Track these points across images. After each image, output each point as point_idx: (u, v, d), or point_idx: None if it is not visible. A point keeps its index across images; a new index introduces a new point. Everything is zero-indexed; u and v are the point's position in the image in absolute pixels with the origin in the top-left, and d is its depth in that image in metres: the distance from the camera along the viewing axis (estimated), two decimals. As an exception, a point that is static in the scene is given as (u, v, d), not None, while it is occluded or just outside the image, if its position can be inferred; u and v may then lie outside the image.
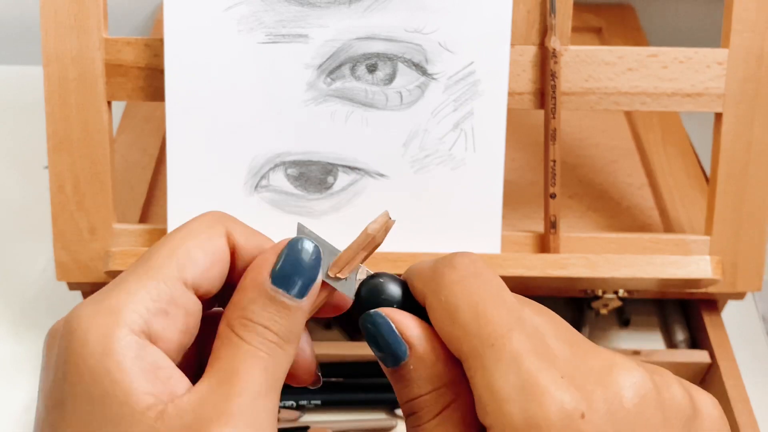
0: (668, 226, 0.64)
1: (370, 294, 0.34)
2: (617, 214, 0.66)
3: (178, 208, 0.56)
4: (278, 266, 0.32)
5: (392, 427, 0.58)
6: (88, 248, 0.58)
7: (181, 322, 0.31)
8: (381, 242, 0.35)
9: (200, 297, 0.32)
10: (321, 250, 0.33)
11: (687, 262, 0.56)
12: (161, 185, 0.67)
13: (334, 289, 0.34)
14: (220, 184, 0.56)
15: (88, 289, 0.62)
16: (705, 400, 0.32)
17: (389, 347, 0.32)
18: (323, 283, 0.33)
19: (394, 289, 0.34)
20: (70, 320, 0.30)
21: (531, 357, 0.29)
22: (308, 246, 0.33)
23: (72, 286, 0.61)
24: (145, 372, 0.29)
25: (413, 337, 0.32)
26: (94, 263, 0.58)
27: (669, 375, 0.31)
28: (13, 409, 0.60)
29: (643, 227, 0.64)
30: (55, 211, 0.57)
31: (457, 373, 0.32)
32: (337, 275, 0.34)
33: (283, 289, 0.32)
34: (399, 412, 0.59)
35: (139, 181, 0.66)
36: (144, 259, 0.32)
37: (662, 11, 0.88)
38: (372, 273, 0.35)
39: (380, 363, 0.33)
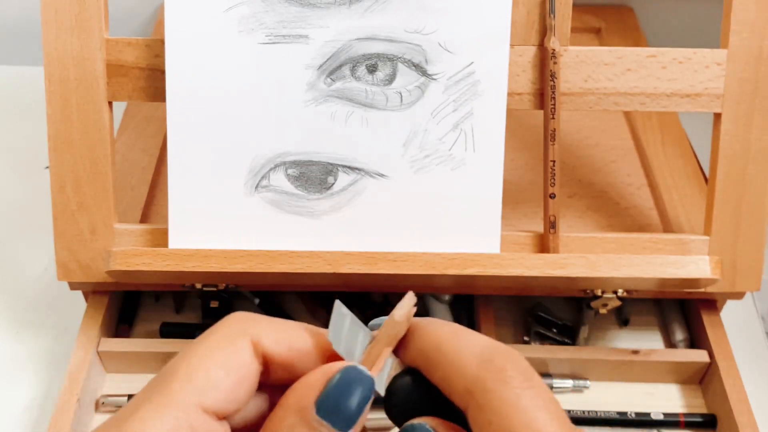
0: (667, 226, 0.64)
1: (402, 391, 0.31)
2: (616, 214, 0.66)
3: (179, 208, 0.56)
4: (325, 395, 0.29)
5: (392, 427, 0.58)
6: (89, 248, 0.58)
7: None
8: (405, 330, 0.32)
9: (226, 418, 0.30)
10: (371, 378, 0.30)
11: (686, 262, 0.56)
12: (162, 185, 0.67)
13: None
14: (220, 184, 0.56)
15: (89, 288, 0.62)
16: None
17: None
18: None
19: (429, 389, 0.31)
20: None
21: None
22: (362, 377, 0.30)
23: (73, 286, 0.61)
24: None
25: None
26: (95, 263, 0.58)
27: None
28: (14, 409, 0.60)
29: (642, 227, 0.65)
30: (56, 211, 0.57)
31: None
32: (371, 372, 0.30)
33: (328, 421, 0.29)
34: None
35: (140, 181, 0.67)
36: (161, 379, 0.30)
37: (661, 12, 0.88)
38: (403, 369, 0.32)
39: None
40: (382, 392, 0.31)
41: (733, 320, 0.64)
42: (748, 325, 0.67)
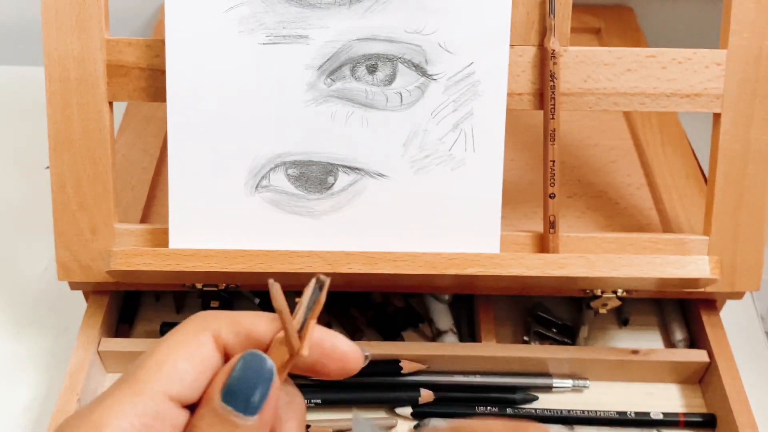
0: (667, 226, 0.64)
1: None
2: (616, 214, 0.66)
3: (179, 208, 0.56)
4: (228, 382, 0.31)
5: (392, 427, 0.59)
6: (90, 248, 0.58)
7: None
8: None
9: (188, 406, 0.32)
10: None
11: (686, 262, 0.56)
12: (162, 185, 0.67)
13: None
14: (220, 184, 0.56)
15: (90, 288, 0.62)
16: None
17: None
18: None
19: None
20: None
21: None
22: (260, 359, 0.32)
23: (73, 286, 0.61)
24: None
25: None
26: (96, 263, 0.58)
27: None
28: (14, 409, 0.60)
29: (641, 227, 0.65)
30: (56, 211, 0.57)
31: None
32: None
33: (233, 407, 0.31)
34: (399, 411, 0.59)
35: (141, 182, 0.67)
36: (131, 371, 0.32)
37: (661, 12, 0.88)
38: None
39: None
40: None
41: (732, 320, 0.64)
42: (748, 325, 0.67)
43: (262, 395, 0.31)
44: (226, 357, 0.33)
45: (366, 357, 0.35)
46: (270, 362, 0.32)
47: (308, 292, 0.34)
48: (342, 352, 0.34)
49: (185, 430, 0.31)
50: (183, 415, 0.32)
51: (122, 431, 0.30)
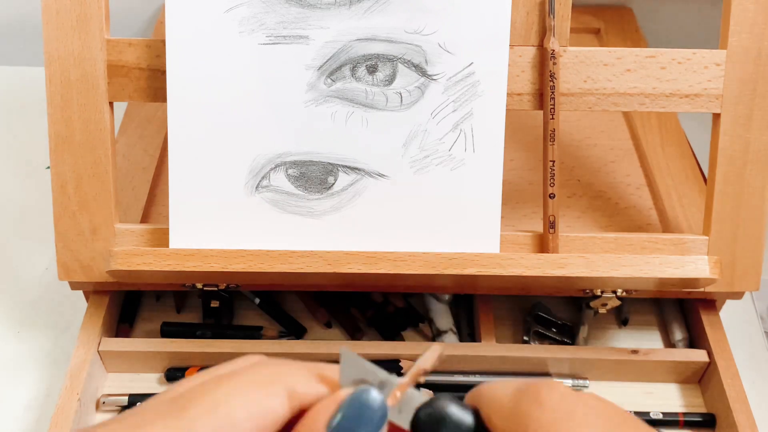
0: (666, 226, 0.64)
1: (431, 422, 0.29)
2: (616, 214, 0.66)
3: (180, 208, 0.56)
4: (337, 419, 0.28)
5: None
6: (90, 248, 0.58)
7: None
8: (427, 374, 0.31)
9: None
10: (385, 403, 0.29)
11: (685, 262, 0.57)
12: (163, 185, 0.67)
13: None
14: (221, 184, 0.56)
15: (90, 288, 0.62)
16: None
17: None
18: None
19: (461, 417, 0.30)
20: None
21: None
22: (375, 399, 0.29)
23: (74, 285, 0.61)
24: None
25: None
26: (96, 263, 0.58)
27: None
28: (15, 409, 0.60)
29: (641, 227, 0.65)
30: (57, 211, 0.57)
31: None
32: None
33: None
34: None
35: (141, 182, 0.67)
36: (176, 402, 0.29)
37: (660, 12, 0.88)
38: (430, 397, 0.30)
39: None
40: (406, 427, 0.30)
41: (732, 320, 0.64)
42: (747, 325, 0.67)
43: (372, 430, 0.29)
44: (300, 412, 0.30)
45: None
46: (385, 405, 0.29)
47: (423, 357, 0.31)
48: None
49: None
50: None
51: None
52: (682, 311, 0.66)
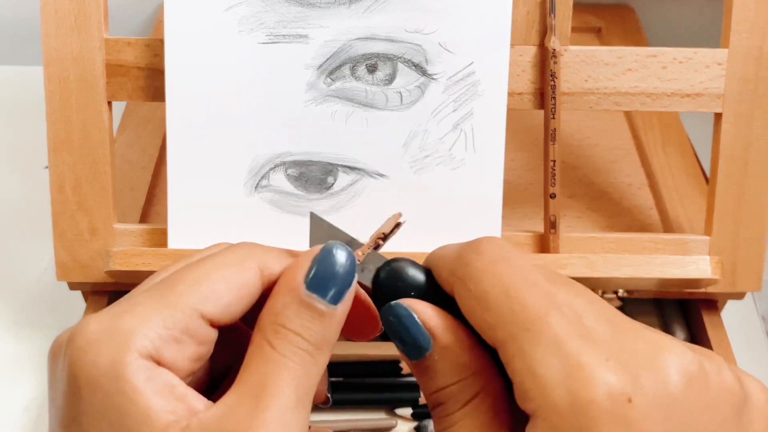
0: (668, 226, 0.64)
1: (389, 279, 0.33)
2: (617, 214, 0.66)
3: (179, 208, 0.56)
4: (313, 271, 0.31)
5: (392, 427, 0.58)
6: (89, 248, 0.58)
7: (193, 350, 0.31)
8: (390, 233, 0.35)
9: (217, 326, 0.32)
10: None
11: (686, 262, 0.56)
12: (161, 185, 0.67)
13: (363, 300, 0.33)
14: (220, 184, 0.56)
15: (89, 288, 0.62)
16: (755, 385, 0.31)
17: (412, 339, 0.32)
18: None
19: (415, 274, 0.33)
20: (78, 335, 0.30)
21: (572, 339, 0.28)
22: (343, 252, 0.32)
23: (72, 286, 0.61)
24: (160, 392, 0.29)
25: (437, 328, 0.32)
26: (95, 263, 0.58)
27: (719, 359, 0.30)
28: (14, 409, 0.60)
29: (642, 227, 0.65)
30: (55, 211, 0.57)
31: (483, 362, 0.31)
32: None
33: (317, 294, 0.31)
34: (399, 411, 0.59)
35: (140, 182, 0.66)
36: (166, 281, 0.31)
37: (662, 11, 0.88)
38: (390, 258, 0.34)
39: (403, 356, 0.32)
40: (368, 284, 0.33)
41: (733, 321, 0.64)
42: (749, 326, 0.67)
43: (345, 285, 0.32)
44: (268, 289, 0.33)
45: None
46: (353, 256, 0.32)
47: (385, 224, 0.35)
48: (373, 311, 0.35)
49: (264, 317, 0.31)
50: (211, 334, 0.32)
51: (149, 341, 0.30)
52: (684, 312, 0.66)
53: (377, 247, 0.34)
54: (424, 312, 0.32)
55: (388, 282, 0.33)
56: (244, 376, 0.30)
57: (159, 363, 0.30)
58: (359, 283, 0.33)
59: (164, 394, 0.29)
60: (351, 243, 0.34)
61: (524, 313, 0.29)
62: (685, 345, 0.30)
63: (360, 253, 0.33)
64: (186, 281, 0.31)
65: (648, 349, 0.29)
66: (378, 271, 0.33)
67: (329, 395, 0.35)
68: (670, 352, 0.29)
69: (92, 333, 0.30)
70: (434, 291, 0.33)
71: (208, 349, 0.32)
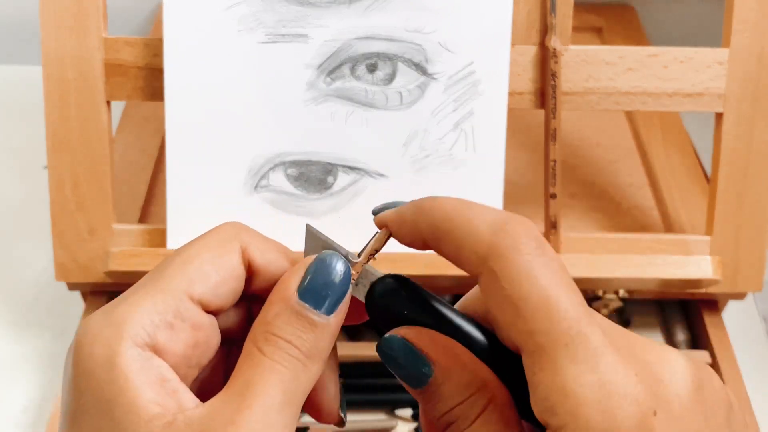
0: (669, 227, 0.64)
1: (383, 296, 0.33)
2: (618, 215, 0.66)
3: (178, 208, 0.56)
4: (306, 281, 0.31)
5: (392, 428, 0.58)
6: (88, 248, 0.58)
7: (188, 335, 0.31)
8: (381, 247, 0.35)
9: (212, 313, 0.32)
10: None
11: (687, 263, 0.56)
12: (160, 185, 0.67)
13: (359, 303, 0.33)
14: (219, 184, 0.56)
15: (88, 289, 0.62)
16: (730, 391, 0.31)
17: (413, 368, 0.31)
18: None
19: (409, 291, 0.33)
20: (79, 332, 0.30)
21: (608, 356, 0.28)
22: (339, 261, 0.32)
23: (71, 286, 0.61)
24: (151, 383, 0.29)
25: (436, 352, 0.31)
26: (94, 263, 0.58)
27: (708, 368, 0.31)
28: (13, 409, 0.60)
29: (643, 227, 0.64)
30: (54, 211, 0.57)
31: (485, 373, 0.31)
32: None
33: (310, 304, 0.31)
34: (399, 412, 0.59)
35: (139, 181, 0.66)
36: (156, 270, 0.32)
37: (663, 11, 0.88)
38: (384, 274, 0.34)
39: (406, 386, 0.31)
40: (360, 297, 0.33)
41: (734, 321, 0.64)
42: (750, 326, 0.67)
43: (339, 296, 0.32)
44: (250, 273, 0.33)
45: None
46: (348, 266, 0.32)
47: (374, 238, 0.35)
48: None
49: (256, 326, 0.31)
50: (205, 318, 0.32)
51: (142, 328, 0.30)
52: (685, 312, 0.66)
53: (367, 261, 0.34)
54: (419, 339, 0.31)
55: (383, 299, 0.33)
56: (234, 379, 0.30)
57: (155, 350, 0.30)
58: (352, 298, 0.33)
59: (154, 386, 0.29)
60: (346, 257, 0.33)
61: (564, 324, 0.28)
62: (682, 354, 0.30)
63: (355, 273, 0.33)
64: (173, 265, 0.32)
65: (657, 360, 0.29)
66: (372, 286, 0.33)
67: (343, 415, 0.34)
68: (676, 363, 0.29)
69: (90, 326, 0.30)
70: (429, 307, 0.32)
71: (205, 335, 0.32)
